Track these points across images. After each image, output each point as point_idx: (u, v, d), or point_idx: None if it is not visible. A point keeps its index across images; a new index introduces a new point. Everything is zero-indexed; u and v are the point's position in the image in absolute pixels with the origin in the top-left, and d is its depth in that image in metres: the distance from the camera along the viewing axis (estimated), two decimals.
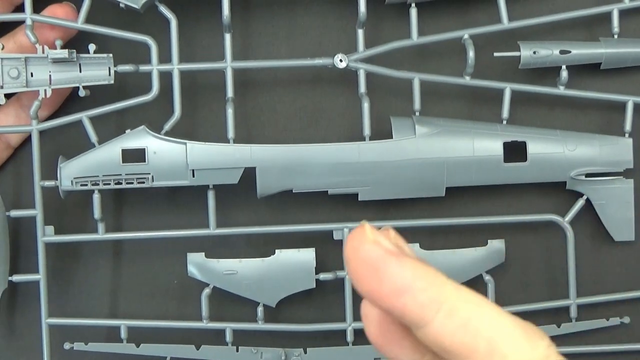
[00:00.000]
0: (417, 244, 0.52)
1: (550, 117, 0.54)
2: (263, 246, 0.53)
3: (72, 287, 0.54)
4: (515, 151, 0.51)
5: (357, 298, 0.52)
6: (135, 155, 0.50)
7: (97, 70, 0.50)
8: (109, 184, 0.50)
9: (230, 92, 0.51)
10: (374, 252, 0.31)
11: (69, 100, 0.53)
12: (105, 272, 0.54)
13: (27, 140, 0.52)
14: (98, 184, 0.50)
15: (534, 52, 0.51)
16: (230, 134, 0.51)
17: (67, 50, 0.49)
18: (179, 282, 0.54)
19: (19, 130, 0.51)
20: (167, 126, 0.50)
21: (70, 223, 0.53)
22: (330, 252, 0.53)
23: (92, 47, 0.50)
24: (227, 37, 0.51)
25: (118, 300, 0.54)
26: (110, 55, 0.50)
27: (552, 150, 0.52)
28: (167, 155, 0.50)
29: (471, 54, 0.51)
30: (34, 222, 0.51)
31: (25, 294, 0.53)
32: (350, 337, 0.52)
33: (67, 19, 0.50)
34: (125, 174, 0.50)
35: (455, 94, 0.54)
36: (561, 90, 0.52)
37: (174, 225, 0.53)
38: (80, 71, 0.50)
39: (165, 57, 0.50)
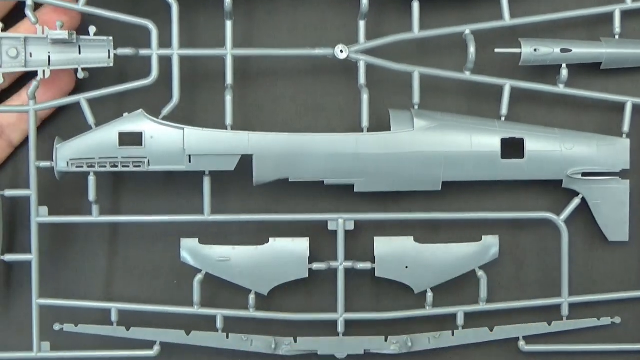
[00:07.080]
0: (412, 238, 0.52)
1: (549, 116, 0.54)
2: (257, 234, 0.53)
3: (67, 269, 0.54)
4: (512, 148, 0.51)
5: (349, 289, 0.53)
6: (132, 139, 0.50)
7: (97, 53, 0.50)
8: (105, 166, 0.50)
9: (229, 79, 0.51)
10: None
11: None
12: (99, 254, 0.54)
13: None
14: (94, 166, 0.50)
15: (535, 50, 0.51)
16: (229, 120, 0.50)
17: (67, 31, 0.49)
18: (171, 267, 0.54)
19: (16, 110, 0.50)
20: (165, 111, 0.50)
21: (67, 205, 0.53)
22: (324, 243, 0.53)
23: (92, 29, 0.49)
24: (228, 24, 0.51)
25: (111, 283, 0.54)
26: (111, 38, 0.50)
27: (549, 148, 0.51)
28: (164, 139, 0.50)
29: (472, 49, 0.51)
30: (29, 202, 0.51)
31: (20, 274, 0.53)
32: (341, 328, 0.52)
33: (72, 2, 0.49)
34: (122, 157, 0.50)
35: (455, 89, 0.54)
36: (561, 88, 0.52)
37: (169, 210, 0.53)
38: (80, 53, 0.50)
39: (165, 42, 0.50)
